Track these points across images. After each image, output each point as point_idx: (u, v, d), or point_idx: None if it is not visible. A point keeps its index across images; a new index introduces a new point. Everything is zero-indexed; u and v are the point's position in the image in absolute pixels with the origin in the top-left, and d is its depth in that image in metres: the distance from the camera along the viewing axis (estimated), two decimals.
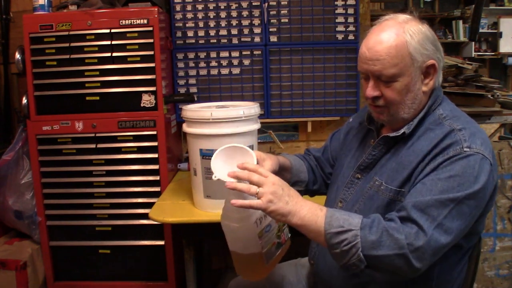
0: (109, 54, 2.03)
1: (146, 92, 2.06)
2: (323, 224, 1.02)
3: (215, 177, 1.12)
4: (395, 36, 1.08)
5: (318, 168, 1.47)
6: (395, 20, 1.13)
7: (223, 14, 2.34)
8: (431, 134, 1.10)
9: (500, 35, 5.60)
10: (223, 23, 2.35)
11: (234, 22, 2.34)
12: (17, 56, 2.12)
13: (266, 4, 2.31)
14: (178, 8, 2.34)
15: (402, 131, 1.13)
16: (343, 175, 1.29)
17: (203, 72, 2.38)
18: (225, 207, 1.15)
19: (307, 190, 1.43)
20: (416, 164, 1.08)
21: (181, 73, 2.39)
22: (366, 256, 0.99)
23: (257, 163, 1.17)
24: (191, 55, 2.37)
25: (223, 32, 2.35)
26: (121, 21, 2.01)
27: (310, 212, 1.04)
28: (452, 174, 1.01)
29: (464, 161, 1.01)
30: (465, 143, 1.04)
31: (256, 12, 2.33)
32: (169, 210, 1.79)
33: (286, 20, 2.33)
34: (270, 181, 1.05)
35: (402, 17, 1.13)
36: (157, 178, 2.10)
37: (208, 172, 1.66)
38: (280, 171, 1.33)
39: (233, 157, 1.17)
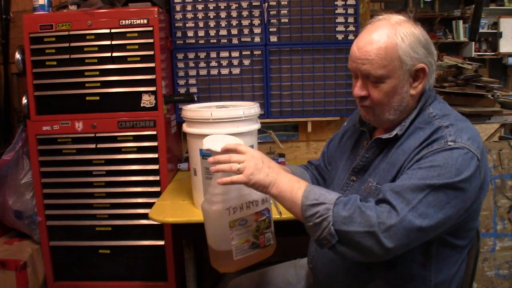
0: (109, 54, 2.03)
1: (146, 92, 2.06)
2: (301, 197, 1.05)
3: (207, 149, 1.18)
4: (386, 37, 1.07)
5: (320, 176, 1.47)
6: (388, 20, 1.12)
7: (223, 14, 2.34)
8: (420, 132, 1.10)
9: (500, 35, 5.60)
10: (223, 23, 2.35)
11: (234, 22, 2.34)
12: (17, 56, 2.12)
13: (266, 4, 2.31)
14: (178, 8, 2.34)
15: (394, 132, 1.13)
16: (338, 177, 1.29)
17: (203, 72, 2.38)
18: (207, 191, 1.19)
19: None
20: (404, 161, 1.09)
21: (181, 73, 2.39)
22: (337, 231, 1.00)
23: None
24: (191, 55, 2.37)
25: (223, 32, 2.35)
26: (121, 21, 2.01)
27: (289, 184, 1.09)
28: (433, 164, 1.01)
29: (446, 153, 1.01)
30: (449, 137, 1.04)
31: (256, 12, 2.33)
32: (169, 210, 1.78)
33: (286, 20, 2.33)
34: (250, 155, 1.09)
35: (396, 18, 1.12)
36: (157, 178, 2.10)
37: (208, 172, 1.66)
38: None
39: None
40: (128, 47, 2.03)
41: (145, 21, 2.01)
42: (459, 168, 0.99)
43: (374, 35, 1.08)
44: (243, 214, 1.17)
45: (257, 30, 2.34)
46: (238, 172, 1.07)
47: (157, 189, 2.10)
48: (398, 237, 0.97)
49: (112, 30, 2.02)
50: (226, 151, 1.12)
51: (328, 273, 1.21)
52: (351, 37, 2.33)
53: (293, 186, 1.08)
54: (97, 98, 2.07)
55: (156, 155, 2.08)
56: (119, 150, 2.09)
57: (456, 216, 1.02)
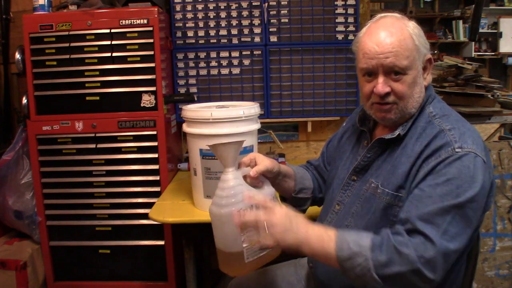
0: (109, 54, 2.03)
1: (146, 92, 2.06)
2: (334, 251, 1.01)
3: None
4: (402, 30, 1.09)
5: (319, 176, 1.46)
6: (392, 17, 1.14)
7: (223, 14, 2.34)
8: (421, 132, 1.11)
9: (500, 35, 5.60)
10: (223, 23, 2.35)
11: (234, 22, 2.34)
12: (17, 56, 2.12)
13: (266, 4, 2.31)
14: (178, 8, 2.34)
15: (397, 132, 1.13)
16: (338, 177, 1.29)
17: (203, 72, 2.38)
18: (214, 194, 1.16)
19: (314, 198, 1.42)
20: (409, 167, 1.08)
21: (181, 73, 2.39)
22: (380, 276, 0.98)
23: (253, 162, 1.21)
24: (191, 55, 2.37)
25: (223, 32, 2.35)
26: (121, 21, 2.01)
27: (319, 238, 1.03)
28: (449, 177, 1.00)
29: (458, 162, 1.01)
30: (456, 143, 1.04)
31: (256, 12, 2.33)
32: (169, 210, 1.78)
33: (286, 20, 2.33)
34: (277, 216, 1.04)
35: (396, 14, 1.15)
36: (157, 178, 2.10)
37: (208, 172, 1.66)
38: (283, 178, 1.32)
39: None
40: (128, 47, 2.03)
41: (145, 21, 2.01)
42: (473, 175, 1.00)
43: (390, 29, 1.09)
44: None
45: (257, 30, 2.34)
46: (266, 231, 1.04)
47: (157, 189, 2.10)
48: (439, 266, 0.97)
49: (112, 30, 2.02)
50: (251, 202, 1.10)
51: (328, 273, 1.21)
52: (351, 37, 2.33)
53: (323, 239, 1.03)
54: (97, 98, 2.07)
55: (156, 155, 2.08)
56: (119, 150, 2.09)
57: (478, 224, 1.04)
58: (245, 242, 1.14)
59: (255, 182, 1.20)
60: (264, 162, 1.22)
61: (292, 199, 1.38)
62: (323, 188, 1.44)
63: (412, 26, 1.11)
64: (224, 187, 1.14)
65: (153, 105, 2.06)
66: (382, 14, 1.16)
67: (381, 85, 1.10)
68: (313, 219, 1.37)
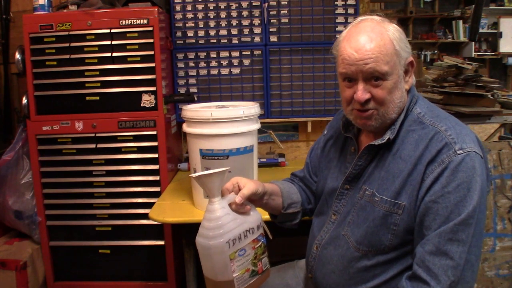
0: (109, 54, 2.03)
1: (146, 92, 2.06)
2: None
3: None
4: (382, 34, 1.07)
5: (306, 187, 1.43)
6: (372, 20, 1.11)
7: (223, 14, 2.34)
8: (414, 135, 1.09)
9: (500, 35, 5.61)
10: (223, 23, 2.35)
11: (234, 22, 2.34)
12: (17, 56, 2.12)
13: (266, 4, 2.31)
14: (178, 8, 2.34)
15: (386, 137, 1.11)
16: (328, 186, 1.27)
17: (203, 72, 2.38)
18: (201, 225, 1.13)
19: (304, 210, 1.39)
20: (409, 171, 1.06)
21: (181, 73, 2.39)
22: None
23: (236, 187, 1.17)
24: (191, 55, 2.37)
25: (223, 32, 2.35)
26: (121, 21, 2.01)
27: None
28: (458, 182, 1.00)
29: (462, 165, 1.01)
30: (456, 145, 1.03)
31: (256, 12, 2.33)
32: (169, 210, 1.79)
33: (286, 20, 2.33)
34: None
35: (376, 17, 1.13)
36: (157, 178, 2.10)
37: None
38: (270, 197, 1.28)
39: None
40: (128, 47, 2.03)
41: (145, 21, 2.01)
42: (478, 172, 1.01)
43: (369, 34, 1.07)
44: (242, 244, 1.13)
45: (257, 30, 2.34)
46: None
47: (157, 189, 2.10)
48: (470, 283, 1.00)
49: (112, 30, 2.02)
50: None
51: (328, 283, 1.20)
52: None
53: None
54: (97, 98, 2.07)
55: (156, 155, 2.08)
56: (119, 150, 2.09)
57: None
58: (235, 272, 1.11)
59: (241, 208, 1.16)
60: (248, 185, 1.17)
61: (282, 215, 1.35)
62: (312, 199, 1.41)
63: (392, 30, 1.09)
64: (211, 218, 1.11)
65: (153, 105, 2.06)
66: (362, 17, 1.14)
67: (361, 92, 1.08)
68: (307, 222, 1.37)
